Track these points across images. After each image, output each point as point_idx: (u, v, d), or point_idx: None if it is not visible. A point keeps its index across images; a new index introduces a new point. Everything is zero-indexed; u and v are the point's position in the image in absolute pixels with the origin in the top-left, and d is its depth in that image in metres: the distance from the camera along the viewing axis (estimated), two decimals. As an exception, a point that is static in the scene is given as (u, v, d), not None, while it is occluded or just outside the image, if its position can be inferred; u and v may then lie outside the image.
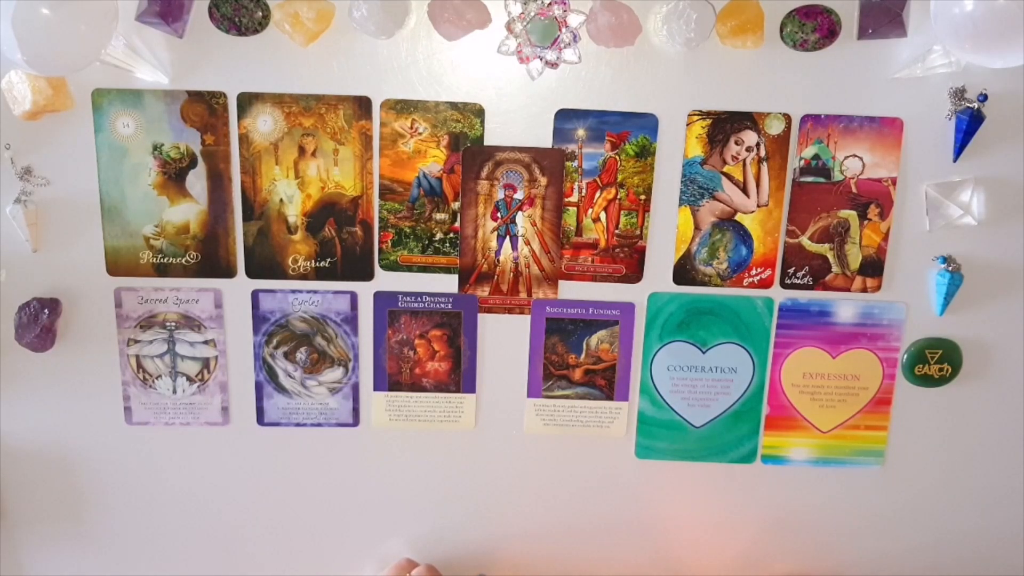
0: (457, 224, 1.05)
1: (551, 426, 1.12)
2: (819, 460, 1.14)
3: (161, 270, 1.06)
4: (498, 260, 1.07)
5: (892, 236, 1.06)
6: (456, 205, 1.05)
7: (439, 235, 1.06)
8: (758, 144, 1.03)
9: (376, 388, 1.11)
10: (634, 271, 1.07)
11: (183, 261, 1.05)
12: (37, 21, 0.86)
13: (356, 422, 1.12)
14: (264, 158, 1.03)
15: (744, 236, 1.06)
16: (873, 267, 1.07)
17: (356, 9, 0.95)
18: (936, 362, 1.09)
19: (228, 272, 1.06)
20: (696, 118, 1.02)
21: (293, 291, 1.07)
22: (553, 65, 0.98)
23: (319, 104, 1.01)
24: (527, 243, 1.06)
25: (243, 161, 1.03)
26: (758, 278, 1.07)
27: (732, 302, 1.08)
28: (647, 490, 1.15)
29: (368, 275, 1.07)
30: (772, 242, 1.06)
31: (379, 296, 1.08)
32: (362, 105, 1.01)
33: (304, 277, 1.07)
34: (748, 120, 1.02)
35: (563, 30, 0.97)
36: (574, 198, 1.05)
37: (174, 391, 1.10)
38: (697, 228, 1.06)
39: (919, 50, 0.98)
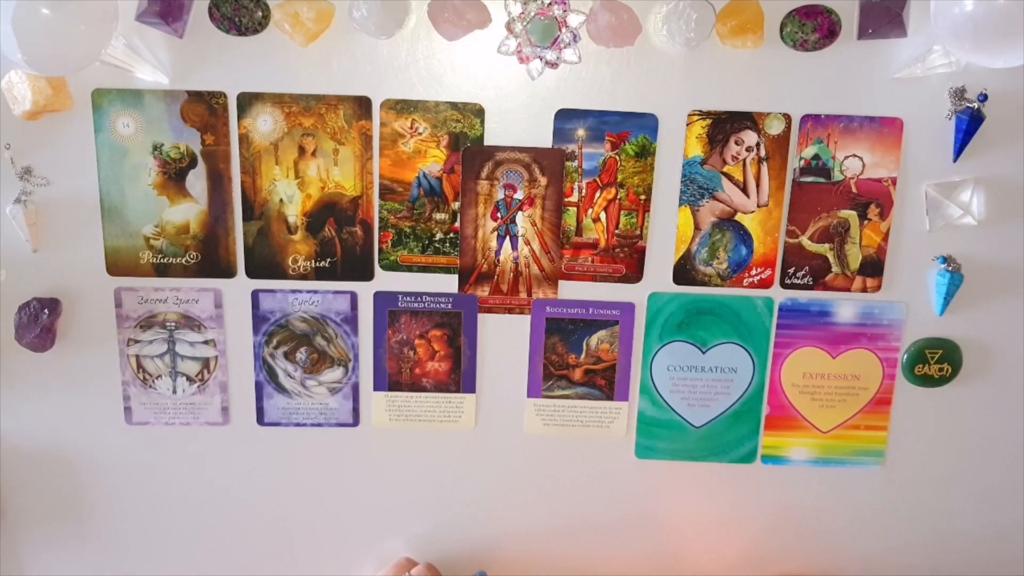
0: (457, 224, 1.05)
1: (551, 426, 1.12)
2: (819, 460, 1.14)
3: (161, 270, 1.06)
4: (498, 260, 1.07)
5: (892, 236, 1.06)
6: (456, 205, 1.05)
7: (439, 235, 1.06)
8: (758, 144, 1.03)
9: (376, 388, 1.11)
10: (634, 271, 1.07)
11: (183, 261, 1.05)
12: (37, 21, 0.86)
13: (356, 422, 1.12)
14: (264, 158, 1.03)
15: (744, 236, 1.06)
16: (873, 267, 1.07)
17: (356, 9, 0.95)
18: (936, 362, 1.09)
19: (228, 272, 1.06)
20: (696, 118, 1.02)
21: (293, 291, 1.07)
22: (553, 65, 0.98)
23: (319, 104, 1.01)
24: (527, 243, 1.06)
25: (243, 161, 1.03)
26: (758, 278, 1.07)
27: (732, 302, 1.08)
28: (647, 490, 1.15)
29: (368, 275, 1.07)
30: (772, 242, 1.06)
31: (379, 296, 1.08)
32: (362, 105, 1.01)
33: (304, 277, 1.07)
34: (748, 120, 1.02)
35: (563, 30, 0.97)
36: (574, 198, 1.05)
37: (174, 391, 1.10)
38: (697, 228, 1.06)
39: (919, 50, 0.98)
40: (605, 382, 1.11)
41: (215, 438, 1.12)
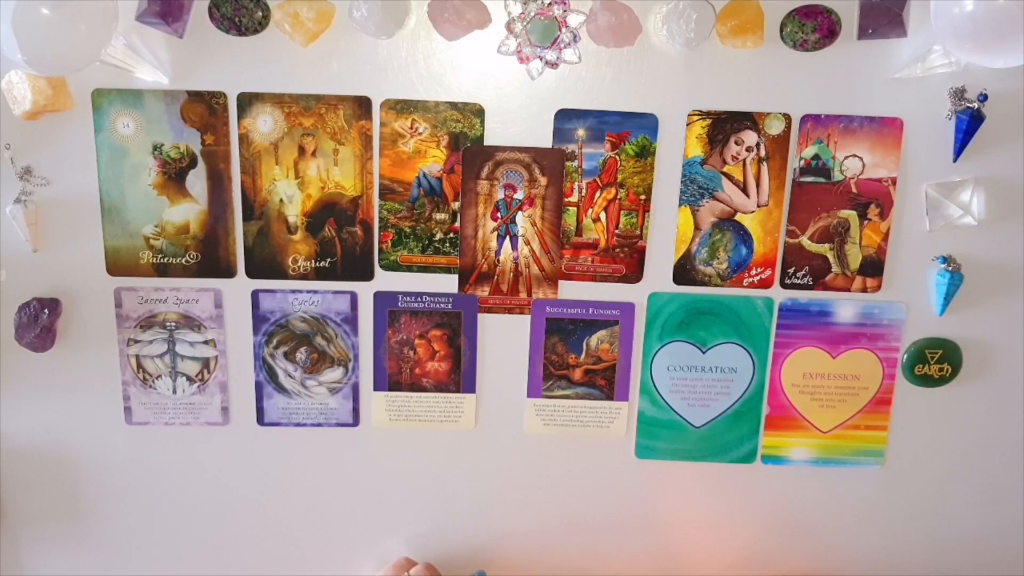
0: (457, 224, 1.05)
1: (551, 426, 1.12)
2: (819, 460, 1.14)
3: (161, 270, 1.06)
4: (498, 260, 1.07)
5: (892, 236, 1.06)
6: (456, 205, 1.05)
7: (439, 235, 1.06)
8: (758, 144, 1.03)
9: (376, 388, 1.11)
10: (634, 271, 1.07)
11: (183, 261, 1.05)
12: (37, 21, 0.86)
13: (356, 422, 1.12)
14: (264, 158, 1.03)
15: (744, 236, 1.06)
16: (873, 267, 1.07)
17: (356, 9, 0.95)
18: (936, 362, 1.09)
19: (228, 272, 1.06)
20: (696, 118, 1.02)
21: (293, 291, 1.07)
22: (553, 65, 0.98)
23: (319, 104, 1.01)
24: (527, 243, 1.06)
25: (243, 161, 1.03)
26: (758, 278, 1.07)
27: (732, 302, 1.08)
28: (647, 490, 1.15)
29: (368, 275, 1.07)
30: (772, 242, 1.06)
31: (379, 296, 1.08)
32: (362, 105, 1.01)
33: (304, 277, 1.07)
34: (748, 120, 1.02)
35: (563, 30, 0.97)
36: (574, 198, 1.05)
37: (174, 391, 1.10)
38: (697, 228, 1.06)
39: (919, 50, 0.98)
40: (605, 382, 1.11)
41: (215, 438, 1.12)
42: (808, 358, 1.10)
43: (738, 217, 1.05)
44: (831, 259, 1.06)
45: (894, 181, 1.04)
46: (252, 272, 1.06)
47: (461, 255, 1.06)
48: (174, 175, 1.03)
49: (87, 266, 1.05)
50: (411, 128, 1.02)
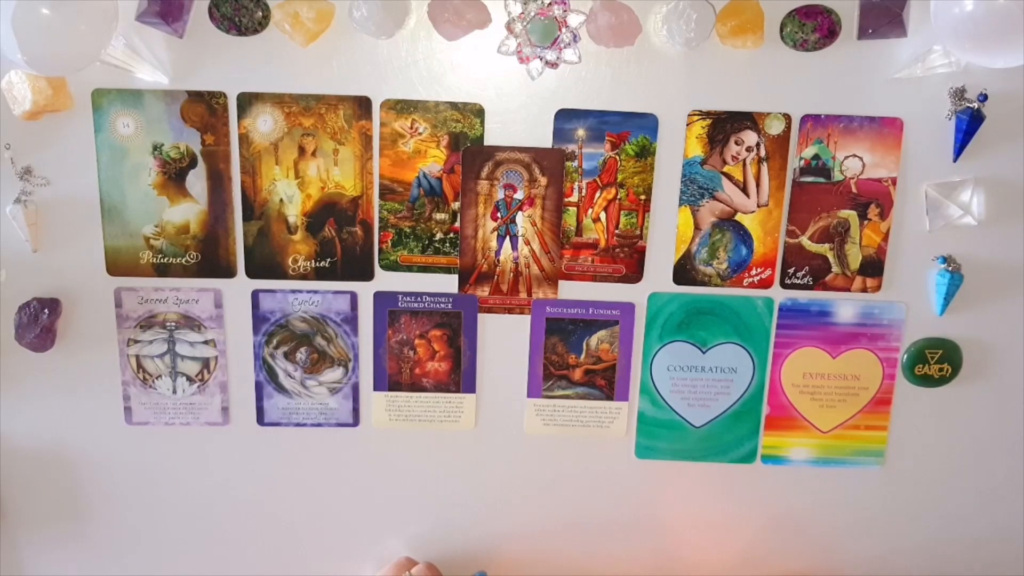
0: (457, 224, 1.05)
1: (551, 426, 1.12)
2: (819, 460, 1.14)
3: (161, 270, 1.06)
4: (498, 260, 1.07)
5: (892, 236, 1.06)
6: (456, 205, 1.05)
7: (439, 235, 1.06)
8: (758, 144, 1.03)
9: (376, 388, 1.11)
10: (634, 271, 1.07)
11: (183, 261, 1.05)
12: (37, 21, 0.86)
13: (356, 422, 1.12)
14: (264, 158, 1.03)
15: (744, 236, 1.06)
16: (873, 267, 1.07)
17: (356, 9, 0.95)
18: (936, 362, 1.09)
19: (228, 272, 1.06)
20: (696, 118, 1.02)
21: (293, 291, 1.07)
22: (553, 65, 0.98)
23: (319, 104, 1.01)
24: (527, 243, 1.06)
25: (243, 161, 1.03)
26: (758, 278, 1.07)
27: (732, 302, 1.08)
28: (647, 490, 1.15)
29: (368, 275, 1.07)
30: (772, 242, 1.06)
31: (379, 296, 1.08)
32: (362, 105, 1.01)
33: (304, 277, 1.07)
34: (748, 120, 1.02)
35: (563, 30, 0.97)
36: (574, 198, 1.05)
37: (174, 391, 1.10)
38: (697, 228, 1.06)
39: (919, 50, 0.98)
40: (605, 382, 1.11)
41: (215, 438, 1.12)
42: (808, 358, 1.10)
43: (738, 217, 1.05)
44: (831, 259, 1.06)
45: (894, 181, 1.04)
46: (252, 272, 1.06)
47: (461, 255, 1.06)
48: (174, 175, 1.03)
49: (87, 266, 1.05)
50: (411, 128, 1.02)
